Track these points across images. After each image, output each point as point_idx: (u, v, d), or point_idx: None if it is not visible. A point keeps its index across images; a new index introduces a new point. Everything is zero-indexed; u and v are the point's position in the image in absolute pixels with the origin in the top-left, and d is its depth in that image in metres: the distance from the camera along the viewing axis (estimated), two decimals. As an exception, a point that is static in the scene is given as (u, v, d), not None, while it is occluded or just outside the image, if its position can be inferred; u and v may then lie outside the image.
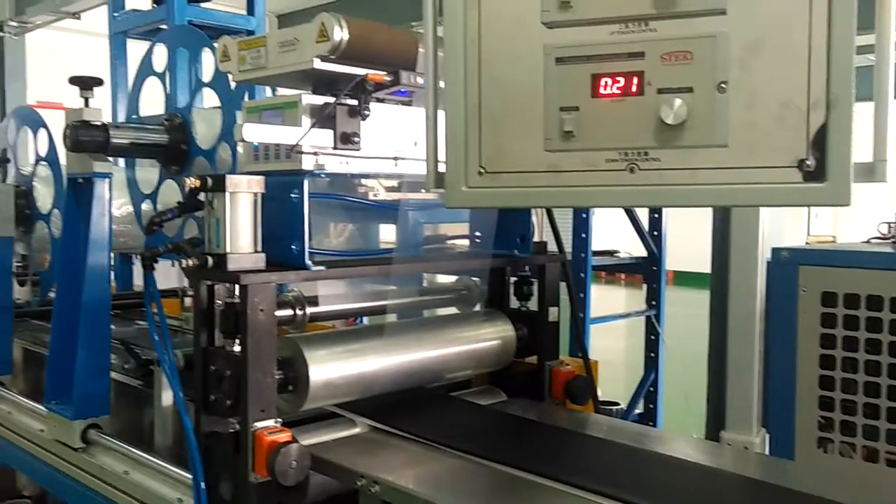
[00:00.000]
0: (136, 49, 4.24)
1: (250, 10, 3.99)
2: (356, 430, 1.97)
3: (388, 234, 2.44)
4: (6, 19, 11.63)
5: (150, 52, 2.48)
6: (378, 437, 1.95)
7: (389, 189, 2.26)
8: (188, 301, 3.64)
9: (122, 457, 2.16)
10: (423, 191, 2.32)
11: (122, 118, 3.96)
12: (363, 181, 2.14)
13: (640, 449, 1.87)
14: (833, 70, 1.12)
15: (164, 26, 3.81)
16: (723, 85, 1.14)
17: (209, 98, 2.31)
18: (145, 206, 2.47)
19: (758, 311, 2.79)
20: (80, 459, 2.25)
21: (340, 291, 2.18)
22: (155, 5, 4.03)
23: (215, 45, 2.01)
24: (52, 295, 2.96)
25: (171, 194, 2.34)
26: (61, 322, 2.37)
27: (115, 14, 4.01)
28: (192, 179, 1.72)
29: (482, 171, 1.22)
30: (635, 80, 1.18)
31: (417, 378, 2.09)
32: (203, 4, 3.94)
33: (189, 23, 3.72)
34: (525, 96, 1.19)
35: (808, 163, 1.15)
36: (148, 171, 2.53)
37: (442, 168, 1.30)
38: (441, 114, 1.32)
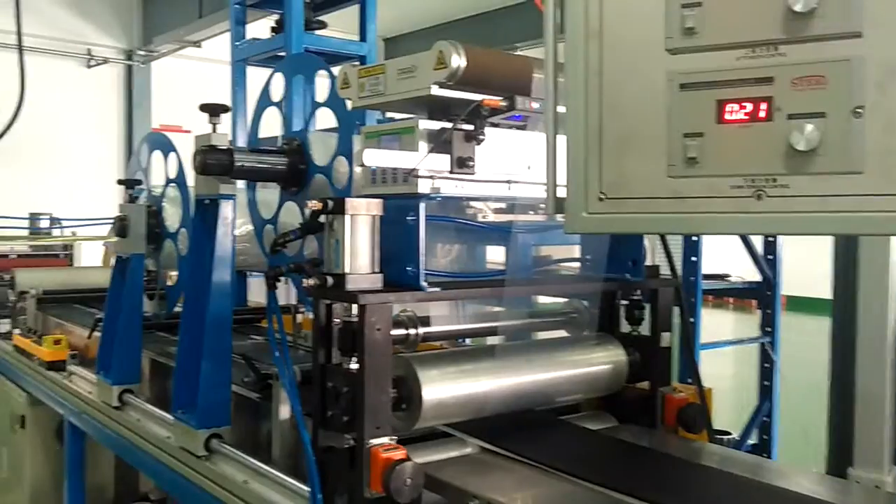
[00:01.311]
0: (253, 74, 4.46)
1: (362, 36, 4.12)
2: (466, 451, 1.99)
3: (496, 256, 2.46)
4: (135, 49, 12.44)
5: (269, 81, 2.60)
6: (488, 459, 1.96)
7: (497, 211, 2.29)
8: (300, 317, 3.78)
9: (242, 466, 2.24)
10: (530, 213, 2.34)
11: (240, 142, 4.16)
12: (471, 203, 2.18)
13: (759, 482, 1.81)
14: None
15: (281, 53, 3.99)
16: (858, 110, 1.11)
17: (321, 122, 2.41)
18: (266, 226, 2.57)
19: (889, 340, 2.64)
20: (203, 467, 2.36)
21: (448, 312, 2.21)
22: (273, 34, 4.22)
23: (334, 70, 2.10)
24: (177, 309, 3.14)
25: (289, 215, 2.44)
26: (187, 335, 2.50)
27: (237, 43, 4.22)
28: (315, 202, 1.79)
29: (602, 196, 1.22)
30: (764, 105, 1.15)
31: (528, 400, 2.10)
32: (318, 32, 4.10)
33: (305, 49, 3.88)
34: (647, 122, 1.19)
35: (948, 189, 1.09)
36: (267, 193, 2.65)
37: (561, 193, 1.31)
38: (560, 139, 1.33)
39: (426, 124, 1.80)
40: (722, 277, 4.66)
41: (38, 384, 3.76)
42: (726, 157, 1.18)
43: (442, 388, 1.89)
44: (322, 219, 1.84)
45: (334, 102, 2.20)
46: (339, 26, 4.61)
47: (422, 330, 2.06)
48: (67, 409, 3.44)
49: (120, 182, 3.17)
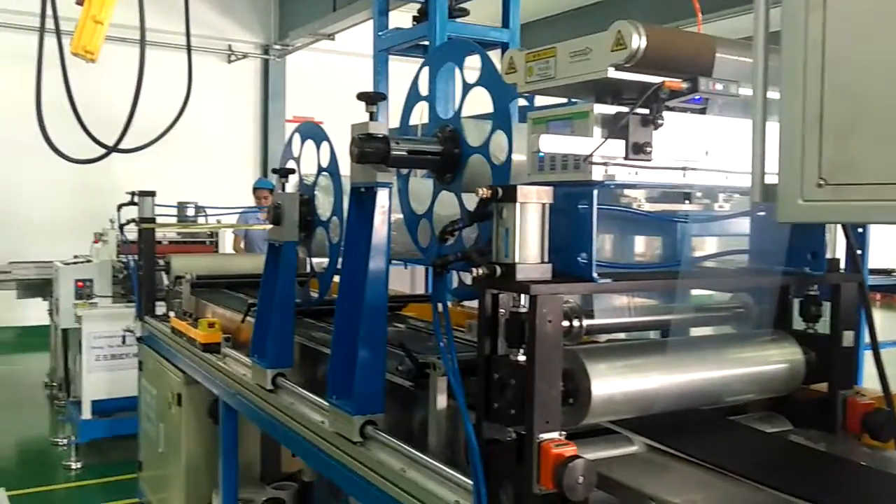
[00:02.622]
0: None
1: (505, 22, 4.06)
2: (633, 449, 1.91)
3: (656, 246, 2.36)
4: (271, 43, 12.92)
5: (418, 75, 2.57)
6: (657, 458, 1.87)
7: (650, 200, 2.18)
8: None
9: (398, 454, 2.25)
10: (685, 202, 2.21)
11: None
12: (625, 192, 2.08)
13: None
14: None
15: (424, 42, 3.99)
16: None
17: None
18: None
19: None
20: (358, 453, 2.39)
21: (610, 304, 2.13)
22: (415, 23, 4.23)
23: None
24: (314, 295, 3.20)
25: (440, 206, 2.42)
26: (343, 322, 2.53)
27: (380, 33, 4.26)
28: (484, 189, 1.75)
29: (822, 182, 1.12)
30: None
31: (697, 399, 1.99)
32: (460, 20, 4.08)
33: (448, 38, 3.87)
34: (880, 103, 1.07)
35: None
36: (415, 182, 2.64)
37: (770, 180, 1.22)
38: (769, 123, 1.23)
39: (600, 109, 1.72)
40: (888, 272, 4.33)
41: (194, 365, 3.94)
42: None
43: (611, 382, 1.81)
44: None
45: (489, 85, 2.16)
46: (477, 13, 4.57)
47: (585, 322, 2.00)
48: (222, 390, 3.59)
49: (274, 171, 3.26)
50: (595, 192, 1.73)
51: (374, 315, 2.42)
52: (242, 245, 9.27)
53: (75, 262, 6.99)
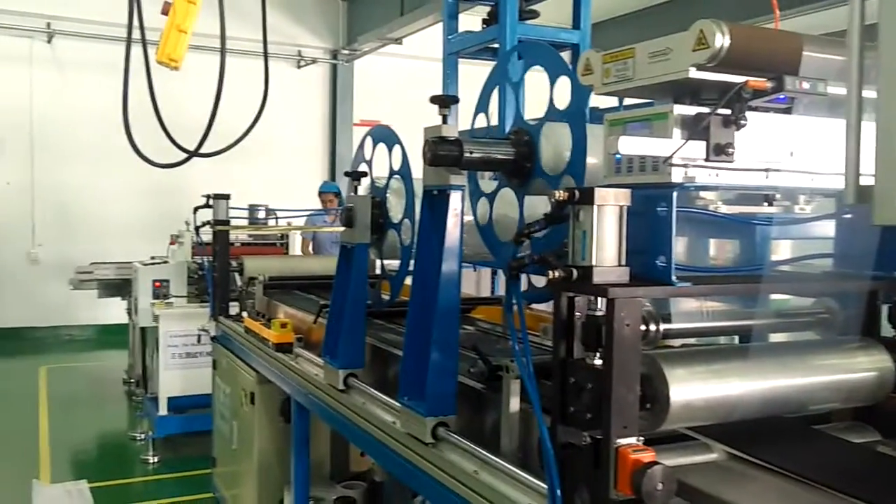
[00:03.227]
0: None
1: (576, 24, 4.03)
2: (712, 457, 1.87)
3: (733, 250, 2.31)
4: (340, 48, 13.11)
5: (490, 79, 2.57)
6: (738, 467, 1.83)
7: (726, 202, 2.13)
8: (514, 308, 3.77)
9: (471, 456, 2.25)
10: (764, 204, 2.15)
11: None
12: (701, 194, 2.04)
13: None
14: None
15: (494, 45, 3.99)
16: None
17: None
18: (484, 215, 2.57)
19: None
20: (430, 454, 2.40)
21: (686, 308, 2.09)
22: (485, 26, 4.23)
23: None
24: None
25: (506, 208, 2.42)
26: (415, 324, 2.55)
27: (450, 37, 4.27)
28: (561, 192, 1.74)
29: (923, 184, 1.08)
30: None
31: (779, 407, 1.94)
32: (530, 22, 4.06)
33: (518, 40, 3.86)
34: None
35: None
36: (485, 185, 2.64)
37: (865, 181, 1.18)
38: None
39: (680, 109, 1.70)
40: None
41: (267, 364, 4.02)
42: None
43: (690, 388, 1.78)
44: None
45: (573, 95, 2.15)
46: (546, 15, 4.55)
47: (662, 326, 1.97)
48: (294, 389, 3.65)
49: (346, 174, 3.31)
50: (674, 194, 1.70)
51: (446, 317, 2.43)
52: (310, 248, 9.43)
53: (153, 263, 7.22)
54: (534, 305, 3.64)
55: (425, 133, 2.48)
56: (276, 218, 8.35)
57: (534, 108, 2.44)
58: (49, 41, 11.60)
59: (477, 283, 7.41)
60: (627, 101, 2.29)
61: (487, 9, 4.31)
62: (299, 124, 12.89)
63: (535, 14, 4.05)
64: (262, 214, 8.16)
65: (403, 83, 12.94)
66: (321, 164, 13.58)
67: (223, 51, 3.91)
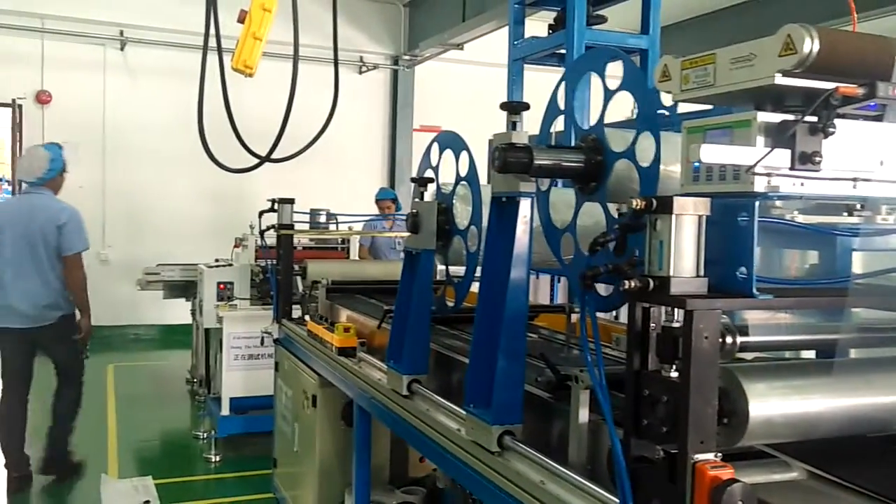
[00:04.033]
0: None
1: (644, 28, 3.98)
2: (792, 475, 1.81)
3: (816, 261, 2.23)
4: (401, 54, 13.21)
5: (558, 87, 2.55)
6: (819, 486, 1.77)
7: (803, 212, 2.06)
8: (575, 317, 3.74)
9: (538, 466, 2.23)
10: (844, 214, 2.08)
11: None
12: (777, 203, 1.98)
13: None
14: None
15: (561, 51, 3.97)
16: None
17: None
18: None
19: None
20: (496, 463, 2.38)
21: (761, 320, 2.03)
22: (551, 32, 4.21)
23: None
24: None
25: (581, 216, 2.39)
26: (482, 331, 2.53)
27: (516, 42, 4.26)
28: (638, 200, 1.71)
29: None
30: None
31: (864, 425, 1.86)
32: (597, 27, 4.02)
33: (586, 46, 3.83)
34: None
35: None
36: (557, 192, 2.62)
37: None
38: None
39: (764, 117, 1.65)
40: None
41: (329, 368, 4.06)
42: None
43: (770, 403, 1.72)
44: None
45: (633, 89, 2.12)
46: (613, 20, 4.51)
47: (739, 339, 1.91)
48: (356, 393, 3.68)
49: (412, 180, 3.32)
50: (757, 204, 1.66)
51: (514, 325, 2.41)
52: (368, 253, 9.51)
53: (217, 266, 7.37)
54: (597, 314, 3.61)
55: (494, 139, 2.48)
56: (337, 222, 8.45)
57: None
58: (121, 49, 11.97)
59: (533, 289, 7.35)
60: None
61: (553, 14, 4.30)
62: (359, 129, 13.01)
63: (603, 19, 4.02)
64: (322, 218, 8.27)
65: (464, 89, 12.97)
66: (380, 170, 13.70)
67: (296, 58, 3.98)
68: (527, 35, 4.44)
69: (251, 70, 4.26)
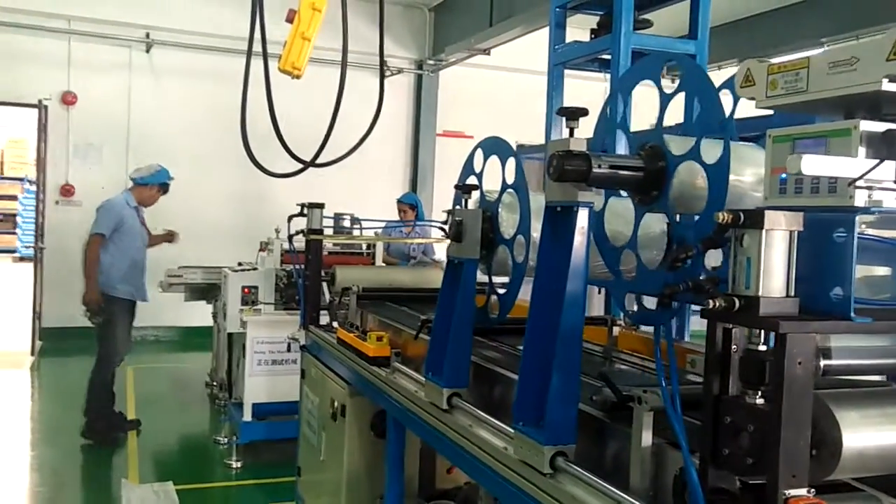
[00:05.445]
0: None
1: (692, 33, 3.86)
2: (882, 511, 1.69)
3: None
4: (425, 59, 13.13)
5: (611, 97, 2.45)
6: (913, 524, 1.64)
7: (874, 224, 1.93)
8: (616, 330, 3.61)
9: (595, 491, 2.11)
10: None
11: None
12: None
13: None
14: None
15: (605, 56, 3.85)
16: None
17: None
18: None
19: None
20: (547, 485, 2.26)
21: (847, 343, 1.91)
22: (594, 36, 4.10)
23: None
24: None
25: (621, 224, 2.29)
26: (534, 346, 2.41)
27: (556, 47, 4.15)
28: (724, 214, 1.59)
29: None
30: None
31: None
32: (643, 31, 3.91)
33: (631, 50, 3.71)
34: None
35: None
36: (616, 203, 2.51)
37: None
38: None
39: (867, 126, 1.53)
40: None
41: (360, 377, 3.95)
42: None
43: (864, 434, 1.60)
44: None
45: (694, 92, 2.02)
46: (657, 24, 4.39)
47: (822, 363, 1.79)
48: (390, 404, 3.56)
49: (456, 187, 3.21)
50: (857, 219, 1.53)
51: (569, 340, 2.29)
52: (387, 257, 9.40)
53: (242, 270, 7.29)
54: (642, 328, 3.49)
55: (550, 147, 2.36)
56: (361, 228, 8.34)
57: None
58: (147, 51, 11.96)
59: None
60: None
61: (592, 18, 4.19)
62: (383, 133, 12.86)
63: (649, 23, 3.91)
64: (346, 223, 8.17)
65: (488, 94, 12.86)
66: (402, 174, 13.61)
67: (344, 63, 3.89)
68: (573, 39, 4.33)
69: (299, 72, 4.17)
